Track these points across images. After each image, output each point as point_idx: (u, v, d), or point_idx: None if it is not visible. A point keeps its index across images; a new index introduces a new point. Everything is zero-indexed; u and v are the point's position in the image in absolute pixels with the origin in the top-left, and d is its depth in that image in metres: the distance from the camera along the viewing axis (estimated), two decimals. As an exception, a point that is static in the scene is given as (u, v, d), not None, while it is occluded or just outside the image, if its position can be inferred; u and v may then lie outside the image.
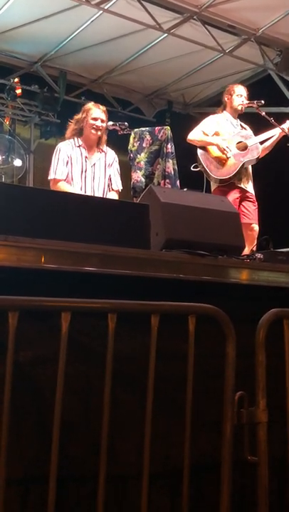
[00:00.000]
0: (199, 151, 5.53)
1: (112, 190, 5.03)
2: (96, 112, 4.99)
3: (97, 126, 4.94)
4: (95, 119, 4.95)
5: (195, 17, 7.60)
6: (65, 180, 4.89)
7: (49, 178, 4.95)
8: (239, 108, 5.62)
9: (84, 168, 4.93)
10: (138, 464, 1.93)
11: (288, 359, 2.22)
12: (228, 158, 5.42)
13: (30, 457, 2.10)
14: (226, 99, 5.72)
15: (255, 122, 5.70)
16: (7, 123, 8.89)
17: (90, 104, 5.11)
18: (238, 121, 5.69)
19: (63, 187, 4.84)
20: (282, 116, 5.80)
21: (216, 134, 5.54)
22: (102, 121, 4.98)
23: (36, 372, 2.18)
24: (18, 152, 8.86)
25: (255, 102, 5.56)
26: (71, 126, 5.06)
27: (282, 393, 2.21)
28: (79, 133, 5.00)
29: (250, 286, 2.93)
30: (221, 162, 5.45)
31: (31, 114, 9.21)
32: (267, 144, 5.61)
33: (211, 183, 5.53)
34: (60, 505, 1.89)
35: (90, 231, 2.59)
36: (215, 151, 5.48)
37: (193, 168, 5.54)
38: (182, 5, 7.43)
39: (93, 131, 4.94)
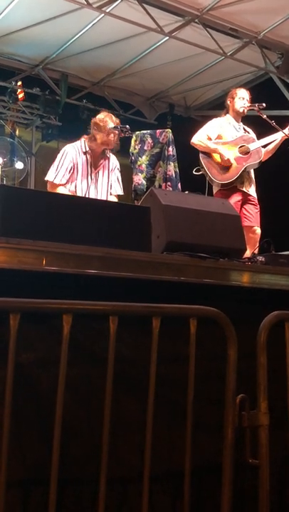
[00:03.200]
0: (201, 155, 5.53)
1: (111, 195, 5.03)
2: (111, 123, 4.99)
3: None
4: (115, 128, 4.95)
5: (196, 20, 7.61)
6: (64, 185, 4.85)
7: (46, 178, 4.86)
8: (241, 111, 5.62)
9: (88, 175, 4.91)
10: (139, 466, 1.93)
11: (290, 362, 2.22)
12: (232, 164, 5.43)
13: (31, 459, 2.10)
14: (228, 102, 5.72)
15: (259, 126, 5.70)
16: (9, 126, 8.90)
17: (106, 116, 5.11)
18: (241, 125, 5.68)
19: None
20: (284, 119, 5.79)
21: (219, 137, 5.55)
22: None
23: (37, 375, 2.18)
24: (20, 155, 8.86)
25: (256, 105, 5.55)
26: (98, 135, 4.98)
27: (283, 396, 2.21)
28: (92, 138, 4.96)
29: (251, 288, 2.92)
30: (225, 167, 5.45)
31: (33, 117, 9.23)
32: (269, 147, 5.61)
33: (213, 186, 5.53)
34: (61, 508, 1.89)
35: (91, 233, 2.59)
36: (218, 158, 5.48)
37: (195, 171, 5.54)
38: (184, 8, 7.44)
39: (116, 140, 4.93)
